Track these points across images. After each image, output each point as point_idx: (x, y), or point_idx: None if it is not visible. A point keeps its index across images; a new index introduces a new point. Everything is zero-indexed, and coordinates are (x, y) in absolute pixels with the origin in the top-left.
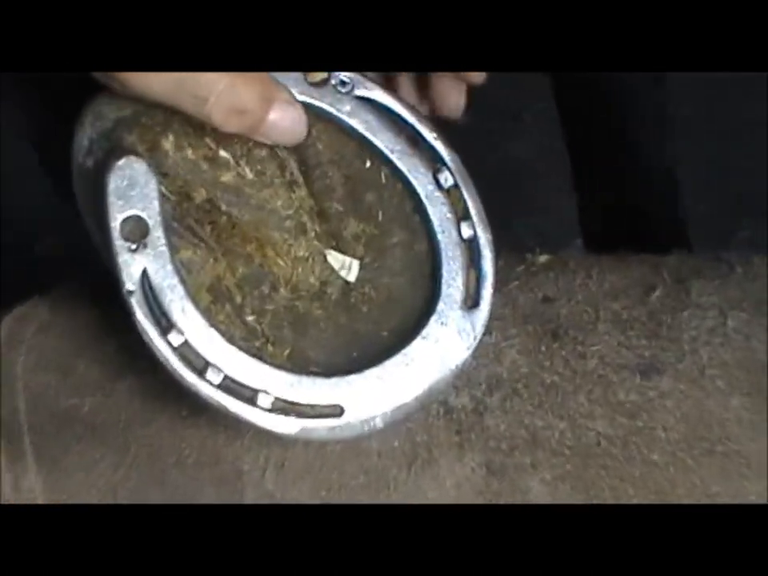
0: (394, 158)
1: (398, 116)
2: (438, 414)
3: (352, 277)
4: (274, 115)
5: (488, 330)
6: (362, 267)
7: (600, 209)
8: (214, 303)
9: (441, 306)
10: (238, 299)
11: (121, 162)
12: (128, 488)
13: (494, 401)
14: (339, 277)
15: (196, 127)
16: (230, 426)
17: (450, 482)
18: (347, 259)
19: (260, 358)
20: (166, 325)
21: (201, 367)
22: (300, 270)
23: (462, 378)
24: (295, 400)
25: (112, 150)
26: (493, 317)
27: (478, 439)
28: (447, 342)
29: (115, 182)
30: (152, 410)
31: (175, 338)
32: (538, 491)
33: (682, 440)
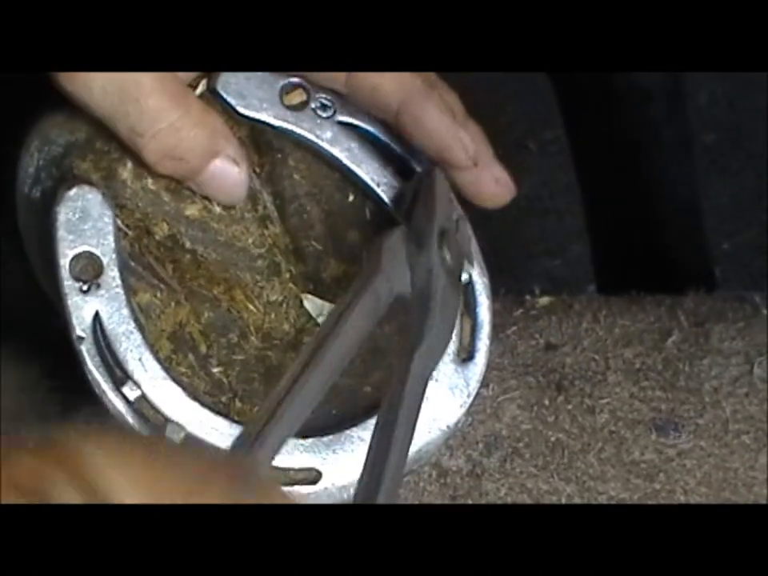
0: (379, 191)
1: (385, 144)
2: (430, 478)
3: None
4: (214, 170)
5: (484, 383)
6: None
7: (616, 249)
8: (175, 353)
9: None
10: (203, 348)
11: (72, 192)
12: None
13: (493, 462)
14: (317, 324)
15: None
16: None
17: None
18: (326, 304)
19: (226, 416)
20: (120, 376)
21: (160, 424)
22: (273, 315)
23: (457, 437)
24: None
25: (62, 179)
26: (489, 367)
27: None
28: (438, 400)
29: (66, 214)
30: None
31: (131, 392)
32: None
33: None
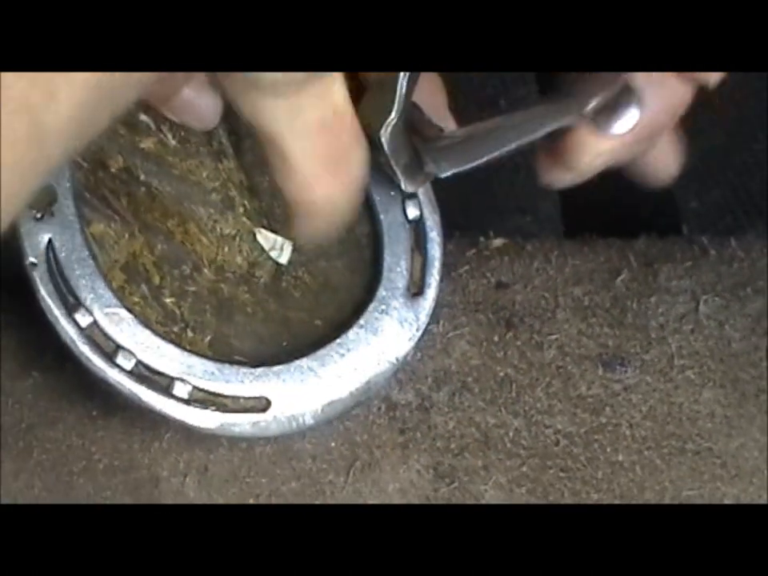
0: None
1: None
2: (380, 412)
3: (284, 259)
4: (188, 93)
5: (435, 319)
6: (295, 249)
7: (585, 207)
8: (128, 283)
9: (382, 292)
10: (156, 279)
11: None
12: (30, 496)
13: (442, 396)
14: (270, 258)
15: None
16: (145, 427)
17: (394, 487)
18: (279, 239)
19: (177, 344)
20: (72, 303)
21: (111, 351)
22: (226, 249)
23: (406, 371)
24: (216, 390)
25: None
26: (440, 304)
27: (425, 439)
28: (388, 333)
29: None
30: (58, 410)
31: (83, 318)
32: (491, 496)
33: (650, 438)
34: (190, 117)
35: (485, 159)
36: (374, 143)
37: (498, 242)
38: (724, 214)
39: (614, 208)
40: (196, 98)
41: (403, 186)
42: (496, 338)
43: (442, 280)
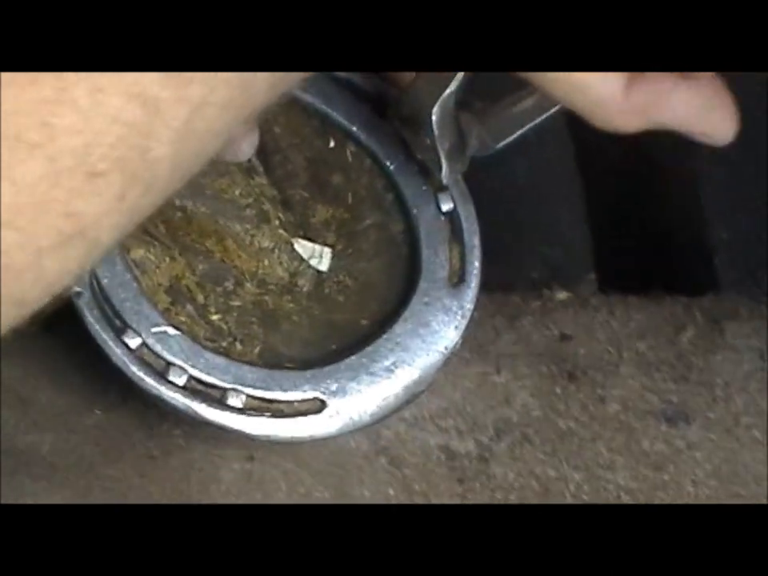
0: (358, 132)
1: (358, 85)
2: (439, 460)
3: (324, 266)
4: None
5: (497, 369)
6: (334, 255)
7: (617, 236)
8: (173, 305)
9: (423, 284)
10: (201, 299)
11: None
12: None
13: (502, 447)
14: (310, 266)
15: None
16: (204, 469)
17: None
18: (317, 246)
19: (227, 355)
20: (119, 326)
21: (162, 369)
22: (266, 262)
23: (467, 420)
24: (269, 397)
25: None
26: (503, 354)
27: (483, 490)
28: (433, 323)
29: None
30: (119, 449)
31: (131, 340)
32: None
33: (714, 497)
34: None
35: (530, 125)
36: (418, 124)
37: (562, 294)
38: (755, 246)
39: (647, 259)
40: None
41: (444, 172)
42: (558, 390)
43: (482, 268)
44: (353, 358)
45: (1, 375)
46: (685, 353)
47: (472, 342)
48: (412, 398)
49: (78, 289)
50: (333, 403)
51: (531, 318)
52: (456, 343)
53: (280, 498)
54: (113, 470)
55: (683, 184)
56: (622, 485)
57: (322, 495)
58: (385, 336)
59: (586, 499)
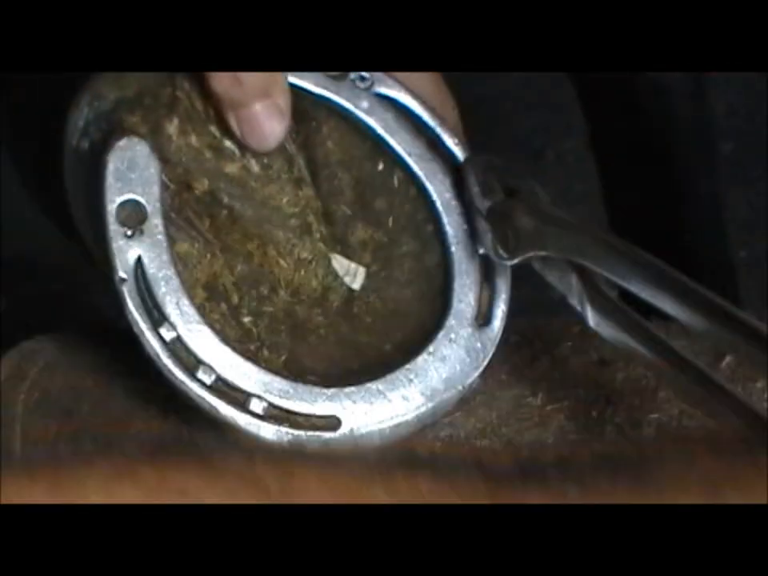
0: (410, 161)
1: (418, 117)
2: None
3: (357, 284)
4: (259, 110)
5: (533, 393)
6: (367, 275)
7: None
8: (208, 301)
9: (450, 321)
10: (235, 299)
11: (122, 142)
12: None
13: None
14: (343, 283)
15: (202, 113)
16: None
17: None
18: (353, 265)
19: (255, 362)
20: (158, 318)
21: (192, 366)
22: (302, 272)
23: (502, 441)
24: (290, 408)
25: (112, 131)
26: (540, 378)
27: None
28: (455, 360)
29: (115, 162)
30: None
31: (167, 333)
32: None
33: None
34: (251, 133)
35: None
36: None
37: None
38: None
39: None
40: (265, 117)
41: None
42: (594, 414)
43: (508, 314)
44: (374, 382)
45: (45, 388)
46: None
47: (510, 365)
48: (423, 427)
49: (123, 275)
50: (348, 423)
51: (570, 343)
52: (474, 382)
53: None
54: None
55: (703, 204)
56: None
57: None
58: (407, 366)
59: None
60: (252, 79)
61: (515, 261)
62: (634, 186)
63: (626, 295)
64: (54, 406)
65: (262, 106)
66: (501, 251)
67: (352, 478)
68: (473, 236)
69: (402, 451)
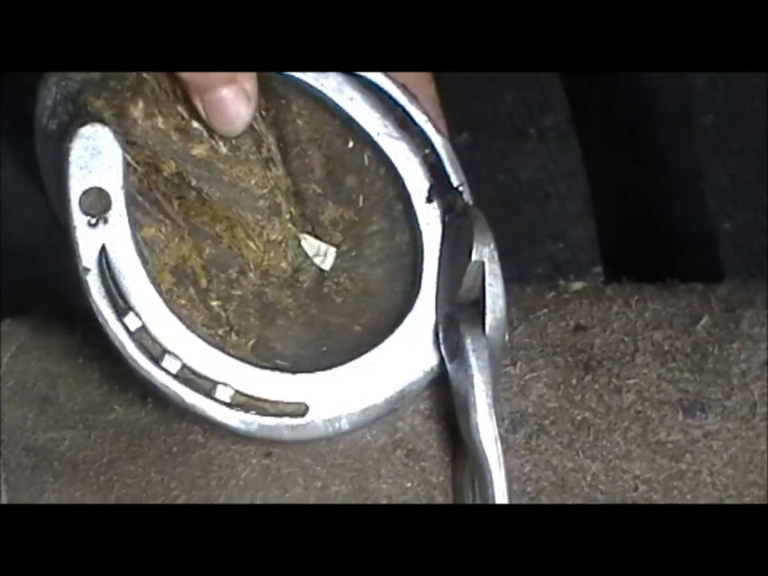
0: (379, 140)
1: (387, 95)
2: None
3: (327, 265)
4: (226, 94)
5: (512, 361)
6: (338, 255)
7: (622, 229)
8: (176, 285)
9: (419, 302)
10: (203, 282)
11: (84, 129)
12: None
13: (518, 438)
14: (313, 264)
15: (168, 94)
16: (223, 465)
17: None
18: (323, 246)
19: (222, 348)
20: (123, 307)
21: (157, 354)
22: (272, 254)
23: None
24: (256, 395)
25: (76, 115)
26: (517, 347)
27: None
28: (423, 343)
29: (77, 150)
30: (139, 446)
31: (132, 322)
32: None
33: (731, 485)
34: (217, 117)
35: None
36: None
37: (577, 285)
38: (758, 234)
39: (652, 251)
40: (231, 101)
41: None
42: (574, 381)
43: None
44: (341, 367)
45: (20, 373)
46: (701, 342)
47: None
48: (392, 411)
49: (87, 265)
50: (315, 409)
51: (546, 309)
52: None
53: (297, 492)
54: (132, 467)
55: (684, 177)
56: (639, 475)
57: (339, 489)
58: (375, 350)
59: (602, 489)
60: None
61: None
62: (615, 160)
63: None
64: (30, 393)
65: (229, 90)
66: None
67: None
68: (443, 216)
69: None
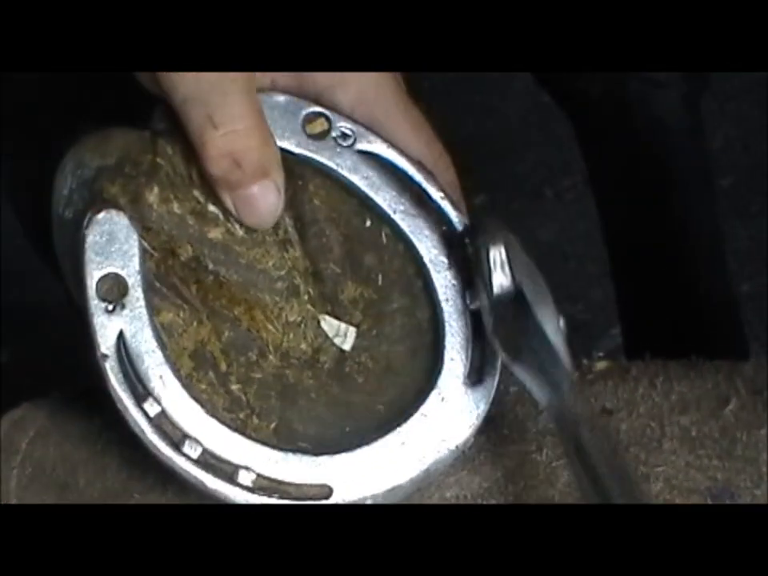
0: (396, 217)
1: (403, 172)
2: None
3: (347, 345)
4: (257, 190)
5: (538, 447)
6: (358, 334)
7: (641, 291)
8: (196, 370)
9: (442, 380)
10: (223, 366)
11: (100, 216)
12: None
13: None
14: (333, 344)
15: (184, 179)
16: None
17: None
18: (343, 325)
19: (243, 432)
20: (142, 393)
21: (178, 440)
22: (291, 335)
23: (509, 499)
24: (279, 478)
25: (92, 202)
26: (544, 432)
27: None
28: (447, 421)
29: (93, 236)
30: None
31: (151, 408)
32: None
33: None
34: (248, 212)
35: None
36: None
37: (601, 364)
38: None
39: (676, 318)
40: (262, 196)
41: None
42: None
43: (502, 369)
44: (365, 448)
45: (39, 459)
46: (729, 427)
47: (512, 417)
48: (417, 490)
49: (105, 351)
50: (340, 491)
51: None
52: (468, 442)
53: None
54: None
55: (705, 240)
56: None
57: None
58: (398, 429)
59: None
60: (250, 160)
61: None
62: (634, 222)
63: None
64: (49, 479)
65: (260, 185)
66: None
67: None
68: (463, 292)
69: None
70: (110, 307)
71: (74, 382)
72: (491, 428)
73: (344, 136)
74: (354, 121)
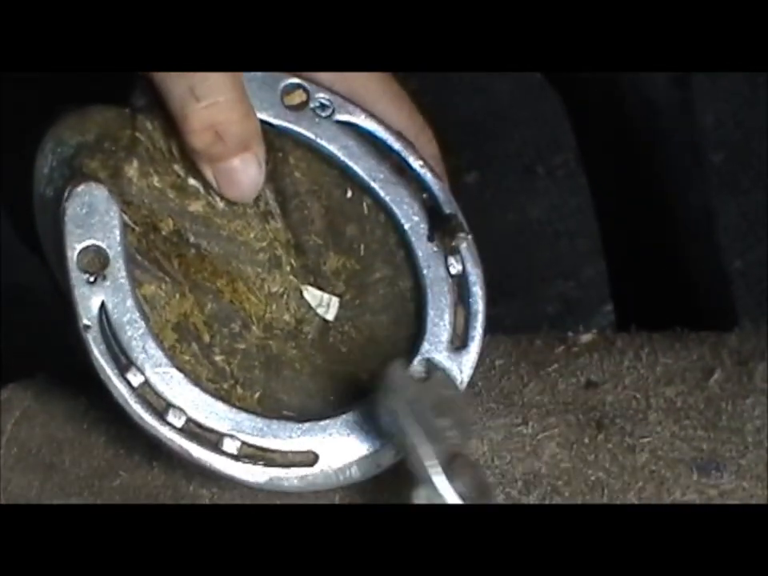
0: (376, 186)
1: (382, 142)
2: None
3: (330, 315)
4: (239, 163)
5: (524, 419)
6: (341, 305)
7: (632, 268)
8: (179, 342)
9: (425, 346)
10: (206, 338)
11: (79, 188)
12: None
13: (532, 500)
14: (317, 315)
15: (164, 153)
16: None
17: None
18: (326, 296)
19: (227, 401)
20: (124, 363)
21: (162, 409)
22: (274, 306)
23: (495, 474)
24: (264, 446)
25: (72, 177)
26: (529, 404)
27: None
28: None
29: (73, 209)
30: None
31: (134, 378)
32: None
33: None
34: (230, 185)
35: None
36: None
37: (586, 336)
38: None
39: (667, 294)
40: (243, 169)
41: None
42: (587, 440)
43: (485, 333)
44: (349, 413)
45: (24, 440)
46: (714, 398)
47: (498, 390)
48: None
49: (86, 322)
50: (325, 457)
51: (556, 364)
52: None
53: None
54: None
55: (696, 215)
56: None
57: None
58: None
59: None
60: (232, 133)
61: None
62: (625, 199)
63: None
64: (35, 459)
65: (241, 159)
66: None
67: None
68: (445, 259)
69: None
70: (92, 279)
71: (59, 363)
72: (478, 401)
73: (322, 107)
74: (333, 92)
